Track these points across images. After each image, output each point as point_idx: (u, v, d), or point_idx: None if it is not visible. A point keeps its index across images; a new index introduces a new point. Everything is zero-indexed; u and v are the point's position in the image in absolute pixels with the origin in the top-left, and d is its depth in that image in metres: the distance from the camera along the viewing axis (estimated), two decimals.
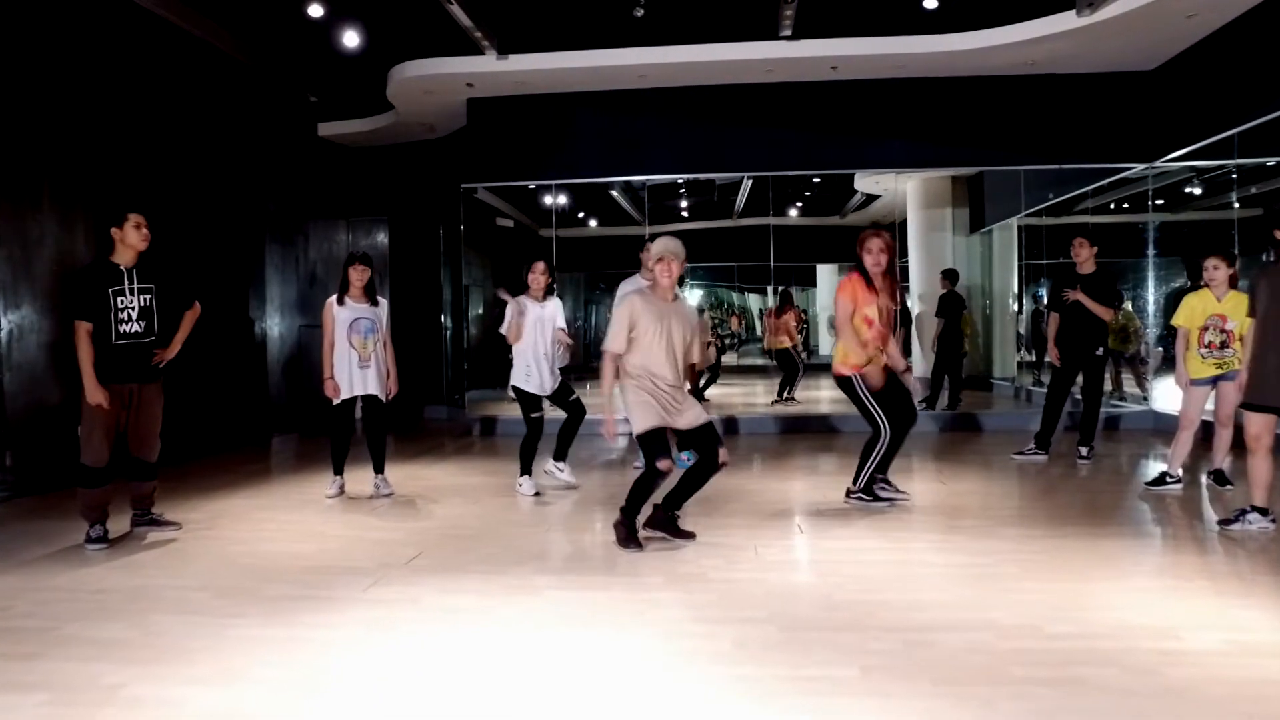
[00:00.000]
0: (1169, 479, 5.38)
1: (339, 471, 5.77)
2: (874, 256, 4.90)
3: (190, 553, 4.27)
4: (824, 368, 16.04)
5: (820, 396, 11.99)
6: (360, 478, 5.88)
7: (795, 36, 7.84)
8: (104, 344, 4.37)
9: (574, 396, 5.77)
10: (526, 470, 5.65)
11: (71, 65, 6.42)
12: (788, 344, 10.72)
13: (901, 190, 13.39)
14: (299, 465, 7.18)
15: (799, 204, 15.10)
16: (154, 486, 4.73)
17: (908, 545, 4.19)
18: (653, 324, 4.18)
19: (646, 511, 4.29)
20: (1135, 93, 8.46)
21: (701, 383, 9.82)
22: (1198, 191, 10.01)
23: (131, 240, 4.46)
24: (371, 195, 11.14)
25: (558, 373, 5.72)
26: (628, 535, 4.19)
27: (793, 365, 10.76)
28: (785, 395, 10.59)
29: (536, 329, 5.57)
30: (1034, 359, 12.22)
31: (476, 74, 8.37)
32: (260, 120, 8.98)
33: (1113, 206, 10.14)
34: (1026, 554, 3.98)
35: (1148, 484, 5.46)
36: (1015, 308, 12.59)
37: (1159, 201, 10.98)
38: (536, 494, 5.55)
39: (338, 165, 10.83)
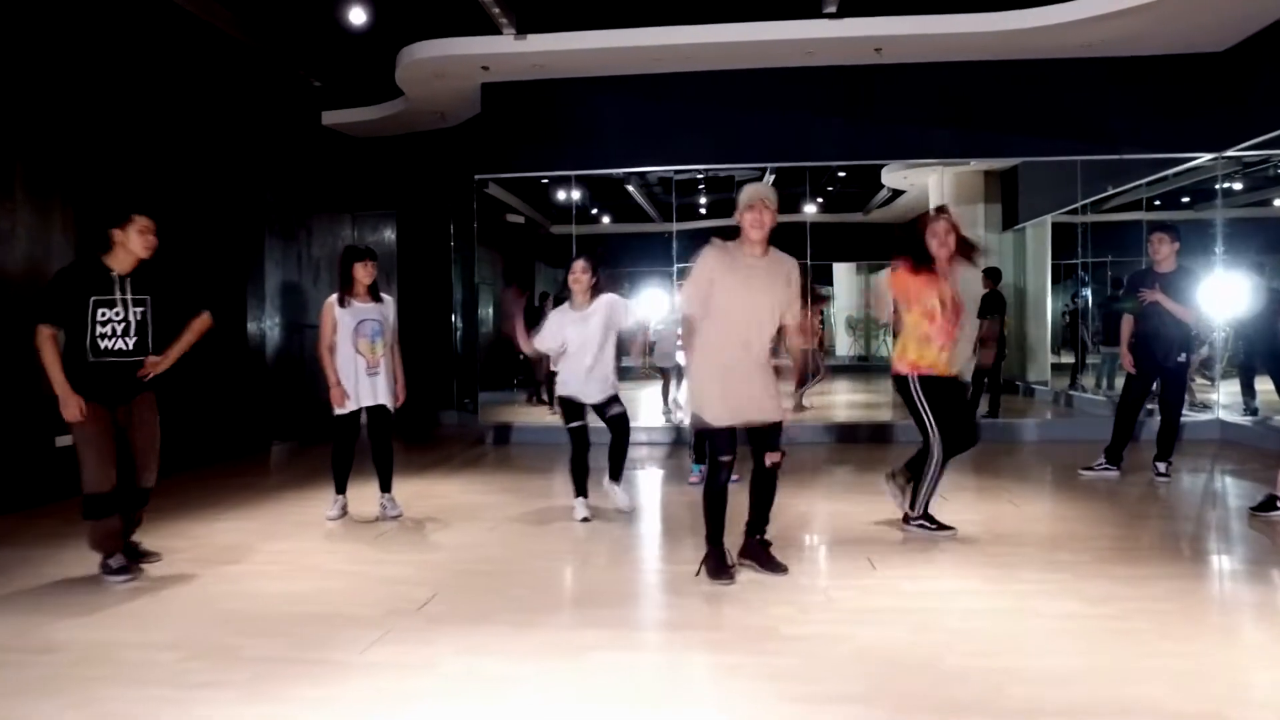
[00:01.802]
0: None
1: (341, 490, 5.17)
2: (940, 239, 4.28)
3: (164, 596, 3.66)
4: (840, 369, 15.33)
5: (862, 400, 11.39)
6: (365, 495, 5.29)
7: (839, 14, 7.21)
8: (79, 361, 3.75)
9: (616, 412, 4.98)
10: (580, 491, 4.98)
11: (51, 40, 5.83)
12: (811, 344, 10.11)
13: (927, 185, 12.79)
14: (298, 479, 6.57)
15: (819, 200, 14.49)
16: (139, 518, 4.11)
17: (1006, 588, 3.57)
18: (737, 285, 3.57)
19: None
20: (1203, 76, 7.81)
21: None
22: (1237, 186, 9.41)
23: (133, 246, 3.85)
24: (379, 188, 10.54)
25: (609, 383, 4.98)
26: (716, 566, 3.65)
27: (813, 366, 10.15)
28: (800, 399, 9.98)
29: (578, 343, 4.85)
30: (1074, 361, 11.63)
31: (492, 55, 7.76)
32: (260, 105, 8.39)
33: (1144, 203, 9.50)
34: (1153, 601, 3.35)
35: (1254, 509, 4.82)
36: (1050, 309, 11.98)
37: (1185, 199, 10.36)
38: (585, 519, 4.87)
39: (343, 156, 10.23)
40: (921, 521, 4.46)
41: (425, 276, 10.56)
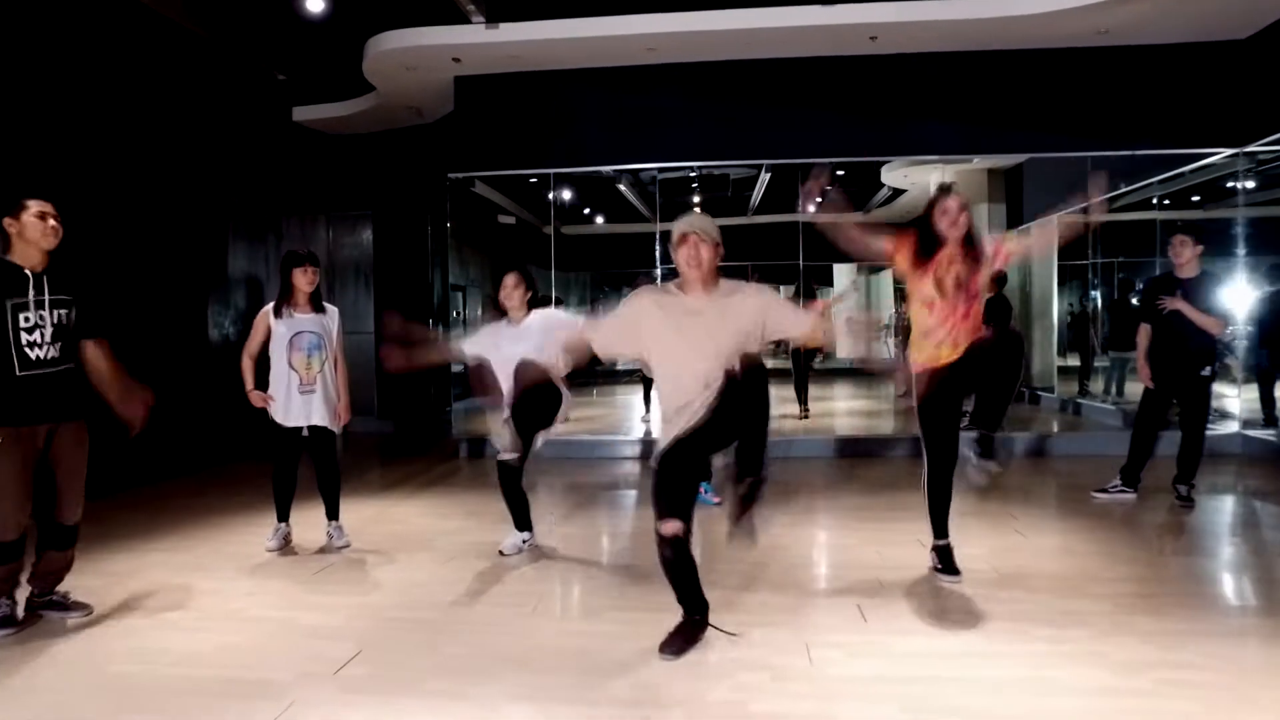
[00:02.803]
0: None
1: (283, 518, 4.71)
2: (950, 217, 3.70)
3: (47, 654, 3.18)
4: (841, 372, 14.85)
5: (863, 408, 10.90)
6: (315, 520, 4.82)
7: (831, 0, 6.73)
8: (6, 376, 3.27)
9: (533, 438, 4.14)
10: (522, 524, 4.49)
11: None
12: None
13: (928, 184, 12.32)
14: (249, 500, 6.09)
15: (819, 199, 14.02)
16: (69, 559, 3.61)
17: (1016, 648, 3.08)
18: (670, 335, 2.97)
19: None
20: (1224, 65, 7.30)
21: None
22: (1250, 185, 8.94)
23: (32, 235, 3.35)
24: (355, 188, 10.07)
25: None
26: (672, 634, 3.05)
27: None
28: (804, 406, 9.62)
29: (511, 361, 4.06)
30: (1079, 364, 11.18)
31: (463, 46, 7.28)
32: (219, 99, 7.93)
33: (1155, 201, 9.02)
34: (1191, 670, 2.86)
35: None
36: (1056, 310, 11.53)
37: (1196, 198, 9.86)
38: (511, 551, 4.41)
39: (316, 154, 9.76)
40: (932, 556, 3.98)
41: (403, 279, 10.09)
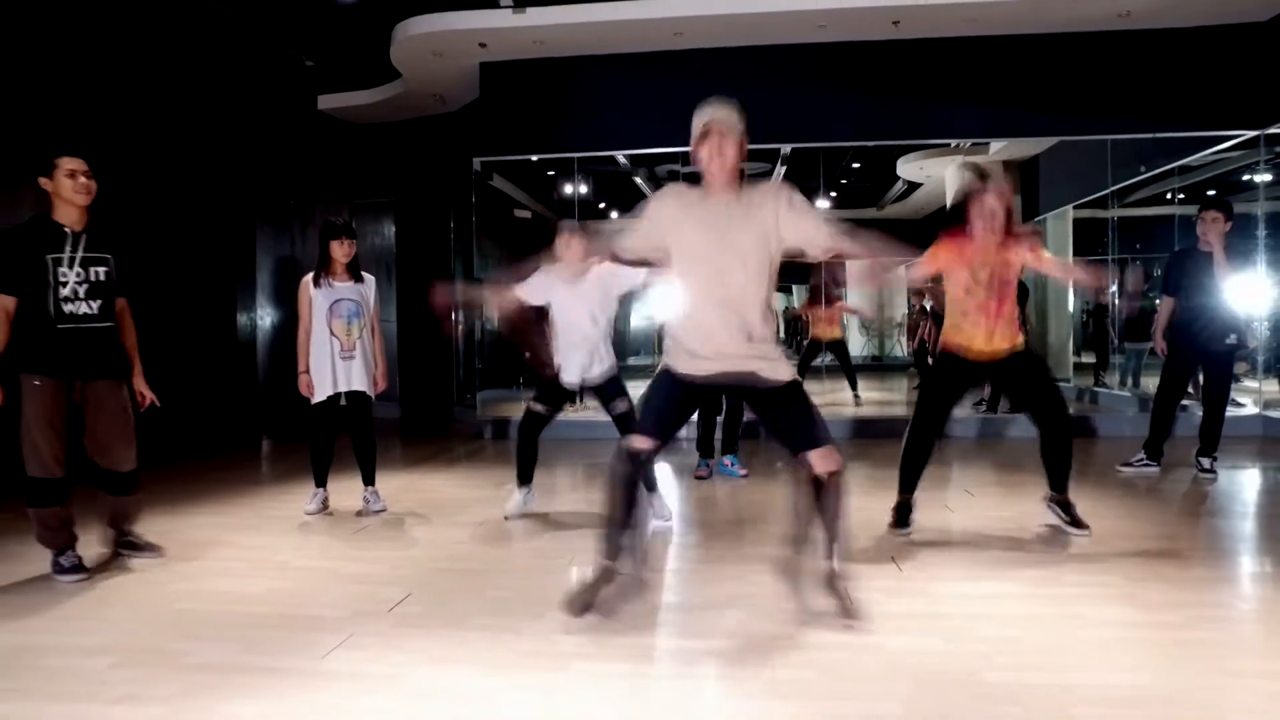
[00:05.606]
0: None
1: (321, 483, 4.81)
2: (986, 217, 3.74)
3: (110, 594, 3.30)
4: (857, 367, 14.90)
5: (877, 398, 10.96)
6: (349, 489, 4.93)
7: None
8: (44, 325, 3.39)
9: (621, 399, 4.36)
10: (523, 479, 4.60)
11: (7, 14, 5.51)
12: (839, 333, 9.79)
13: (943, 177, 12.37)
14: (283, 474, 6.22)
15: (833, 194, 14.09)
16: (134, 502, 3.77)
17: (1048, 590, 3.16)
18: (699, 238, 2.74)
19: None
20: (1245, 48, 7.34)
21: None
22: (1267, 178, 8.96)
23: (65, 192, 3.42)
24: (377, 176, 10.21)
25: (605, 360, 4.37)
26: (586, 586, 2.94)
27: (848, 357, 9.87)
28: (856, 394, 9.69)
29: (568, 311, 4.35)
30: (1095, 361, 11.22)
31: (490, 30, 7.39)
32: (249, 84, 8.05)
33: (1165, 196, 9.04)
34: (1221, 610, 2.94)
35: None
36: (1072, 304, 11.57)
37: (1211, 192, 9.88)
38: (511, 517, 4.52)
39: (340, 142, 9.89)
40: (893, 518, 4.08)
41: (425, 267, 10.21)
